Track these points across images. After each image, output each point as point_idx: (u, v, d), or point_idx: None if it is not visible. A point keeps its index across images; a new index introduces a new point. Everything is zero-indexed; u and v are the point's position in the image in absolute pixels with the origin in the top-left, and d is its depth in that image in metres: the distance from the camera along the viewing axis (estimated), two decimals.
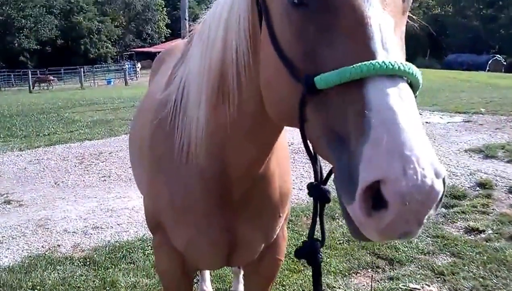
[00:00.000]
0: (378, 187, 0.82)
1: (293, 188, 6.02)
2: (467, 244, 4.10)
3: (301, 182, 6.39)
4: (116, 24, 63.83)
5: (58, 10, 57.33)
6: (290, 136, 9.18)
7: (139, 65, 47.31)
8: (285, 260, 3.92)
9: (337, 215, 4.97)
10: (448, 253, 3.99)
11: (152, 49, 54.64)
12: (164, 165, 1.66)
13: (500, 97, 14.38)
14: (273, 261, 1.96)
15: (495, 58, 48.76)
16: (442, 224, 4.64)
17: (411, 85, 0.94)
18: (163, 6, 69.00)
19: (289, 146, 8.14)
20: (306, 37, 0.98)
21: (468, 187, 5.71)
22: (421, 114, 11.31)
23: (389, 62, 0.88)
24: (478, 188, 5.65)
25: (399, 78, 0.89)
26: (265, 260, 1.91)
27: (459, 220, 4.71)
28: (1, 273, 4.01)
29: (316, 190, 1.17)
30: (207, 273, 3.45)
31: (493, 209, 4.91)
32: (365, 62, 0.87)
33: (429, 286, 3.41)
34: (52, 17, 55.80)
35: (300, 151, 8.03)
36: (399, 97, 0.86)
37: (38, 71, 44.57)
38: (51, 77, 40.14)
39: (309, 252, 1.20)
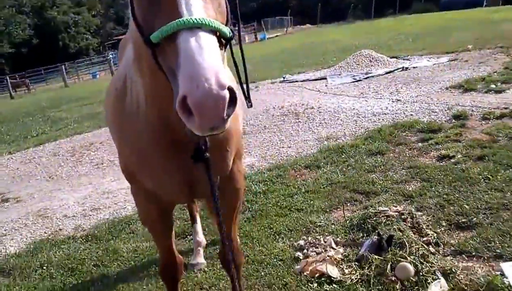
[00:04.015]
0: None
1: (282, 147, 6.54)
2: (437, 169, 4.60)
3: (290, 140, 6.88)
4: (93, 13, 63.16)
5: (28, 8, 56.73)
6: (281, 100, 9.66)
7: None
8: (273, 208, 4.49)
9: (322, 164, 5.46)
10: (419, 180, 4.50)
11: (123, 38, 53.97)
12: (124, 125, 2.12)
13: (490, 32, 14.70)
14: (234, 191, 2.43)
15: None
16: (417, 156, 5.15)
17: (221, 34, 1.41)
18: None
19: (280, 109, 8.73)
20: (144, 9, 1.47)
21: (445, 121, 6.19)
22: (409, 60, 11.73)
23: (190, 19, 1.33)
24: (453, 120, 6.12)
25: (198, 29, 1.33)
26: (226, 190, 2.36)
27: (432, 150, 5.21)
28: (9, 259, 4.54)
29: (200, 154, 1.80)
30: (199, 226, 3.94)
31: (465, 137, 5.39)
32: (175, 21, 1.34)
33: (396, 206, 3.91)
34: (24, 16, 55.30)
35: (288, 112, 8.53)
36: (195, 42, 1.30)
37: (16, 76, 44.49)
38: (26, 81, 40.04)
39: (198, 153, 1.80)
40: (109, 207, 5.55)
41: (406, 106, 7.40)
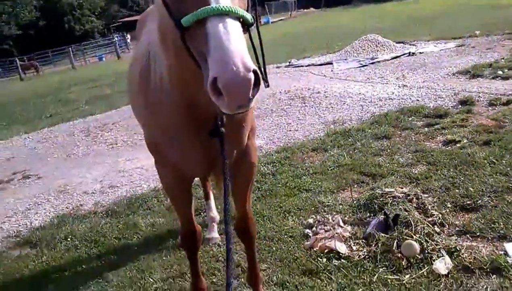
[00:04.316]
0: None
1: (290, 130, 6.66)
2: (443, 153, 4.71)
3: (297, 124, 7.00)
4: None
5: None
6: (287, 84, 9.74)
7: (128, 36, 46.21)
8: (282, 188, 4.62)
9: (329, 147, 5.60)
10: (424, 163, 4.61)
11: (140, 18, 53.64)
12: (148, 101, 2.26)
13: (497, 17, 14.63)
14: (249, 165, 2.57)
15: None
16: (423, 140, 5.26)
17: (244, 20, 1.52)
18: None
19: (287, 93, 8.83)
20: None
21: (451, 106, 6.28)
22: (415, 45, 11.72)
23: (217, 6, 1.45)
24: (460, 106, 6.21)
25: (226, 16, 1.45)
26: (242, 163, 2.50)
27: (438, 135, 5.31)
28: (35, 231, 4.76)
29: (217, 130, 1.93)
30: (212, 202, 4.11)
31: (471, 122, 5.47)
32: (203, 8, 1.45)
33: (402, 188, 4.04)
34: None
35: (295, 97, 8.63)
36: (223, 28, 1.42)
37: (25, 58, 44.52)
38: (35, 62, 40.09)
39: (216, 129, 1.92)
40: (125, 185, 5.72)
41: (413, 92, 7.49)
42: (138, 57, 2.46)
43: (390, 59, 10.73)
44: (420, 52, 10.85)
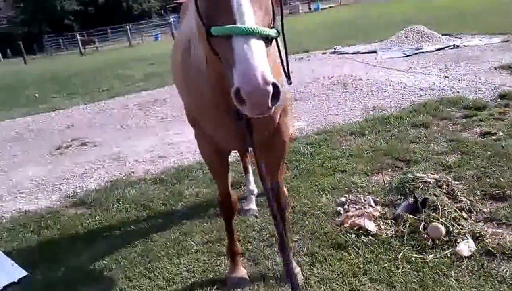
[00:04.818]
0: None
1: (330, 114, 6.72)
2: (478, 144, 4.66)
3: (337, 108, 7.05)
4: None
5: None
6: (331, 70, 9.73)
7: None
8: (318, 168, 4.72)
9: (366, 132, 5.63)
10: (459, 152, 4.58)
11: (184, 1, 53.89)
12: (188, 80, 2.42)
13: None
14: (281, 142, 2.68)
15: None
16: (460, 131, 5.20)
17: (268, 36, 1.66)
18: None
19: (330, 78, 8.85)
20: (205, 5, 1.72)
21: (490, 100, 6.14)
22: (460, 38, 11.36)
23: (244, 28, 1.59)
24: (499, 100, 6.07)
25: (250, 35, 1.59)
26: (274, 141, 2.63)
27: (475, 126, 5.24)
28: (90, 194, 5.08)
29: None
30: (250, 176, 4.27)
31: (509, 116, 5.35)
32: (230, 26, 1.60)
33: (433, 174, 4.06)
34: None
35: (337, 82, 8.63)
36: (247, 46, 1.57)
37: (85, 33, 45.86)
38: (94, 39, 41.25)
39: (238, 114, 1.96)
40: (173, 156, 5.98)
41: (453, 83, 7.35)
42: (180, 40, 2.61)
43: (434, 51, 10.47)
44: (465, 45, 10.52)
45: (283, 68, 2.10)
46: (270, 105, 1.60)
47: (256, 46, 1.59)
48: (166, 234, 3.91)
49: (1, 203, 5.30)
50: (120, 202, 4.70)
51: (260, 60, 1.57)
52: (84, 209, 4.74)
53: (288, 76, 2.13)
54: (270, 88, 1.56)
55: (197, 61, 2.22)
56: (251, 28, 1.60)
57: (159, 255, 3.57)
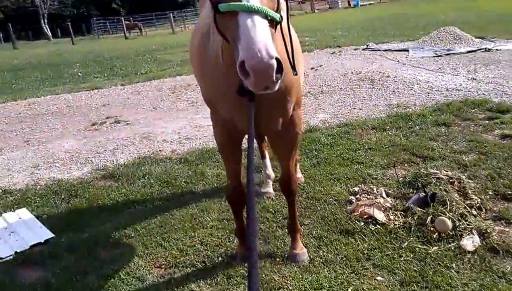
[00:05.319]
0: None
1: (354, 108, 6.68)
2: (497, 146, 4.57)
3: (362, 103, 7.00)
4: None
5: None
6: (360, 65, 9.65)
7: None
8: (336, 158, 4.75)
9: (388, 127, 5.60)
10: (477, 152, 4.51)
11: None
12: (205, 64, 2.46)
13: None
14: (294, 133, 2.70)
15: None
16: (481, 132, 5.10)
17: (272, 18, 1.71)
18: None
19: (358, 74, 8.78)
20: None
21: None
22: (494, 42, 11.01)
23: (249, 5, 1.65)
24: None
25: (254, 13, 1.65)
26: (287, 132, 2.64)
27: (497, 129, 5.13)
28: (119, 167, 5.27)
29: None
30: (267, 161, 4.32)
31: None
32: (236, 3, 1.66)
33: (447, 171, 4.02)
34: None
35: (365, 78, 8.55)
36: (251, 22, 1.63)
37: (131, 18, 46.68)
38: (139, 24, 41.90)
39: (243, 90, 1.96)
40: (199, 139, 6.10)
41: (480, 86, 7.17)
42: (200, 26, 2.67)
43: (466, 53, 10.19)
44: (497, 49, 10.19)
45: (288, 58, 2.10)
46: (274, 78, 1.63)
47: (260, 23, 1.64)
48: (184, 209, 4.03)
49: (37, 171, 5.55)
50: (146, 178, 4.86)
51: (264, 35, 1.61)
52: (112, 182, 4.92)
53: (293, 66, 2.13)
54: (274, 62, 1.59)
55: (214, 46, 2.26)
56: (256, 6, 1.65)
57: (176, 227, 3.69)
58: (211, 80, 2.44)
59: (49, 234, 3.82)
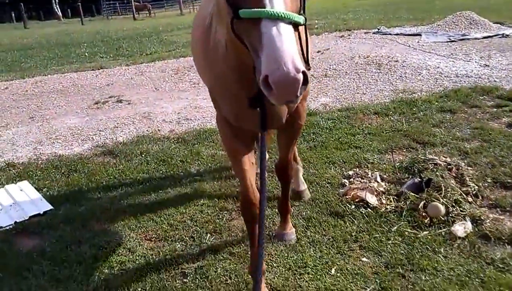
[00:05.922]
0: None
1: (358, 93, 6.64)
2: (501, 134, 4.53)
3: (366, 88, 6.95)
4: None
5: None
6: (368, 49, 9.55)
7: None
8: (334, 142, 4.75)
9: (390, 113, 5.57)
10: (480, 139, 4.48)
11: None
12: (208, 58, 2.33)
13: None
14: (296, 125, 2.67)
15: None
16: (487, 119, 5.05)
17: (296, 22, 1.55)
18: None
19: (365, 58, 8.70)
20: None
21: None
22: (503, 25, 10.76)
23: (274, 12, 1.49)
24: None
25: (279, 20, 1.49)
26: (290, 124, 2.55)
27: (504, 117, 5.07)
28: (118, 145, 5.35)
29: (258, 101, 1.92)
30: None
31: None
32: (259, 9, 1.51)
33: (445, 157, 4.00)
34: None
35: (372, 62, 8.47)
36: (277, 30, 1.47)
37: (141, 0, 46.65)
38: (148, 5, 41.84)
39: (258, 99, 1.90)
40: (198, 119, 6.15)
41: (493, 72, 7.07)
42: (201, 18, 2.52)
43: (481, 38, 10.03)
44: (507, 35, 10.00)
45: (303, 52, 1.96)
46: (298, 94, 1.49)
47: (286, 32, 1.49)
48: (178, 187, 4.11)
49: (40, 146, 5.67)
50: (143, 155, 4.94)
51: (290, 46, 1.47)
52: (110, 158, 5.01)
53: (307, 61, 2.00)
54: (301, 76, 1.45)
55: (217, 41, 2.13)
56: (281, 13, 1.51)
57: (168, 204, 3.79)
58: (213, 73, 2.31)
59: (48, 206, 3.98)
